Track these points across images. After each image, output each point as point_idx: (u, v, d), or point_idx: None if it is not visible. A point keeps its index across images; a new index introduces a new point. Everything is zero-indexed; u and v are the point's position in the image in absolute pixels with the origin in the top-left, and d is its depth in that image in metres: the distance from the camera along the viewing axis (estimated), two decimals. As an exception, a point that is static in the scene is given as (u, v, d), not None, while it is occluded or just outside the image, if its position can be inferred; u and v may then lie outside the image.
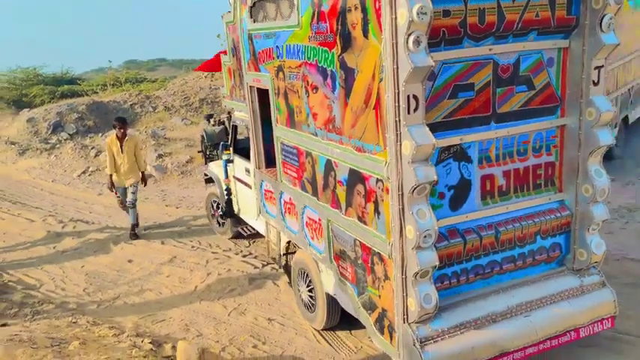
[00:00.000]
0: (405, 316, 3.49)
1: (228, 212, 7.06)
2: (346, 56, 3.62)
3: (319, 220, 4.51)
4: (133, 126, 14.56)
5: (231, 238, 7.55)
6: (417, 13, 2.89)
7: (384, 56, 3.17)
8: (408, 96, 3.11)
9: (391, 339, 3.71)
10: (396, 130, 3.18)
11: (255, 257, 6.86)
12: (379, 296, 3.78)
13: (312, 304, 5.09)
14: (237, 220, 7.38)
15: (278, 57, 4.72)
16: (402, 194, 3.27)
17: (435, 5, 2.95)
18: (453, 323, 3.58)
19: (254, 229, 6.82)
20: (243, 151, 6.70)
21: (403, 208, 3.29)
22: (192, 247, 7.42)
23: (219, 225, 7.71)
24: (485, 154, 3.69)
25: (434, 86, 3.37)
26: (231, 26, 5.82)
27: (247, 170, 6.33)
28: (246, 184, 6.48)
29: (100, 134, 14.49)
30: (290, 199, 5.08)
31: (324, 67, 3.93)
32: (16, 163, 13.71)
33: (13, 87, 23.25)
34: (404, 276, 3.41)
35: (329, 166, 4.18)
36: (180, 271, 6.65)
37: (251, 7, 5.13)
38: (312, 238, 4.73)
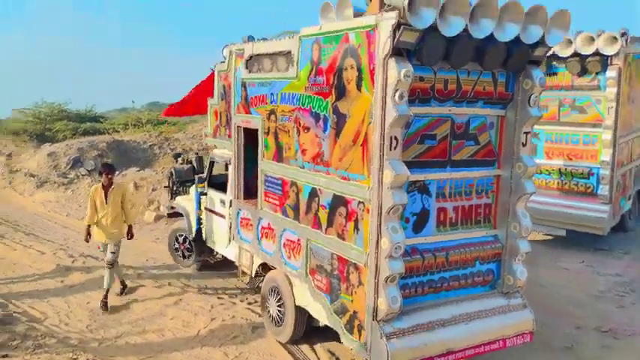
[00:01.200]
0: (375, 315, 4.30)
1: (198, 241, 7.65)
2: (339, 104, 4.58)
3: (298, 240, 5.30)
4: (150, 166, 14.79)
5: (198, 269, 8.06)
6: (404, 75, 3.92)
7: (373, 105, 4.15)
8: (391, 137, 4.08)
9: (360, 336, 4.49)
10: (380, 162, 4.12)
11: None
12: (352, 301, 4.58)
13: (281, 319, 5.77)
14: (201, 252, 7.99)
15: (271, 102, 5.63)
16: (381, 213, 4.17)
17: (415, 72, 4.00)
18: (411, 324, 4.42)
19: (222, 256, 7.47)
20: (216, 185, 7.44)
21: (380, 225, 4.19)
22: (199, 290, 7.36)
23: (184, 258, 8.23)
24: (441, 191, 4.69)
25: (407, 133, 4.36)
26: (223, 74, 6.72)
27: (222, 201, 7.05)
28: (219, 215, 7.17)
29: (118, 172, 14.47)
30: (269, 224, 5.86)
31: (318, 112, 4.87)
32: (33, 195, 13.75)
33: (38, 121, 23.36)
34: (376, 280, 4.25)
35: (313, 193, 5.04)
36: (184, 314, 6.59)
37: (247, 60, 6.07)
38: (289, 257, 5.50)
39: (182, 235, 8.22)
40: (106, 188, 6.81)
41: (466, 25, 4.00)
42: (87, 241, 7.00)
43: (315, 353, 5.58)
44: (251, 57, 6.02)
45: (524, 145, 4.81)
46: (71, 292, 7.32)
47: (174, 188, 9.02)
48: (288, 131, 5.39)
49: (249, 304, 6.83)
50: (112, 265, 6.84)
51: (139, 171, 14.37)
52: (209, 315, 6.51)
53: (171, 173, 9.10)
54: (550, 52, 7.55)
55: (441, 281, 4.74)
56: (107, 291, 6.80)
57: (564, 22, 4.49)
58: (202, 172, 8.82)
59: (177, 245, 8.32)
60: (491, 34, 4.15)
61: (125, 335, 6.08)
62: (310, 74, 4.95)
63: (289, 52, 5.28)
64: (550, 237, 9.70)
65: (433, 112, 4.49)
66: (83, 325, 6.30)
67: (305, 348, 5.67)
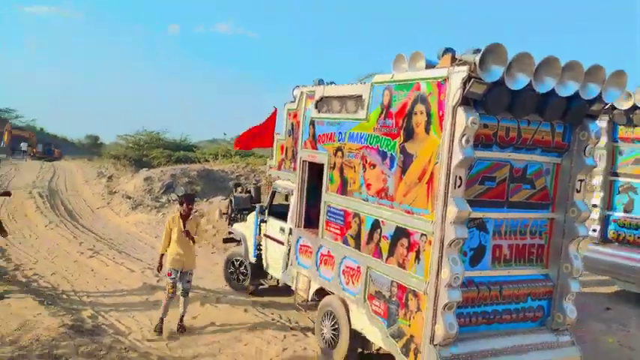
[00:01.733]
0: (432, 339, 4.65)
1: (258, 265, 8.13)
2: (407, 145, 5.06)
3: (358, 267, 5.72)
4: (236, 196, 15.93)
5: (250, 293, 8.52)
6: (471, 122, 4.38)
7: (441, 147, 4.61)
8: (456, 176, 4.52)
9: (416, 359, 4.83)
10: (445, 199, 4.55)
11: None
12: (409, 325, 4.94)
13: (334, 342, 6.14)
14: (256, 276, 8.47)
15: (339, 140, 6.15)
16: (442, 246, 4.58)
17: (480, 120, 4.46)
18: (465, 351, 4.75)
19: (277, 281, 7.93)
20: (276, 214, 7.95)
21: (442, 256, 4.59)
22: (273, 319, 7.52)
23: (239, 281, 8.71)
24: (497, 229, 5.07)
25: (470, 174, 4.79)
26: (292, 112, 7.31)
27: (282, 229, 7.54)
28: (278, 241, 7.65)
29: (205, 199, 15.41)
30: (328, 252, 6.30)
31: (385, 150, 5.36)
32: (127, 216, 14.82)
33: (137, 147, 25.42)
34: (435, 307, 4.62)
35: (376, 225, 5.48)
36: (257, 342, 6.72)
37: (318, 100, 6.65)
38: (347, 283, 5.91)
39: (238, 260, 8.72)
40: (184, 218, 7.05)
41: (530, 81, 4.46)
42: (159, 270, 7.23)
43: None
44: (321, 98, 6.59)
45: (578, 191, 5.17)
46: (155, 309, 7.53)
47: (233, 215, 9.58)
48: (354, 167, 5.88)
49: None
50: (187, 293, 7.09)
51: (224, 199, 15.14)
52: (281, 345, 6.60)
53: (231, 201, 9.68)
54: None
55: (494, 313, 5.06)
56: (182, 316, 7.05)
57: (621, 82, 4.90)
58: (260, 201, 9.41)
59: (232, 269, 8.82)
60: (553, 90, 4.59)
61: (201, 356, 6.27)
62: (380, 117, 5.46)
63: (360, 96, 5.81)
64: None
65: (494, 157, 4.92)
66: (163, 343, 6.60)
67: None
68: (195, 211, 9.23)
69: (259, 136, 9.13)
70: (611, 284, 9.60)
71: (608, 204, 9.51)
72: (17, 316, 6.99)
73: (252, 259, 8.27)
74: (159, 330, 6.86)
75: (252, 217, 8.70)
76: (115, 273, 9.59)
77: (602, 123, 8.80)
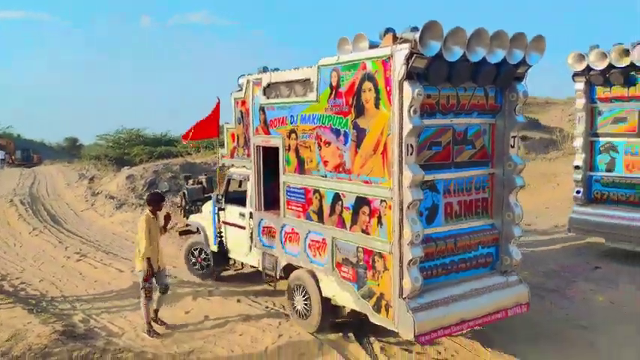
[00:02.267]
0: (401, 293, 5.15)
1: (219, 252, 8.37)
2: (359, 121, 5.47)
3: (323, 239, 6.13)
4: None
5: (215, 279, 8.75)
6: (417, 94, 4.85)
7: (392, 120, 5.05)
8: (408, 145, 4.99)
9: (387, 314, 5.32)
10: (400, 166, 5.02)
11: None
12: (378, 285, 5.41)
13: (307, 312, 6.54)
14: (219, 263, 8.72)
15: (292, 123, 6.49)
16: (402, 208, 5.05)
17: (424, 91, 4.93)
18: (430, 300, 5.28)
19: (241, 264, 8.23)
20: (233, 200, 8.21)
21: (402, 218, 5.06)
22: (267, 307, 7.51)
23: (202, 269, 8.92)
24: (447, 188, 5.60)
25: (418, 141, 5.27)
26: (240, 101, 7.55)
27: (242, 214, 7.81)
28: (238, 227, 7.92)
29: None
30: (292, 229, 6.67)
31: (338, 128, 5.75)
32: (112, 216, 14.36)
33: (117, 146, 24.69)
34: (401, 264, 5.11)
35: (336, 198, 5.89)
36: (252, 331, 6.72)
37: (265, 87, 6.93)
38: (314, 256, 6.31)
39: (197, 249, 8.92)
40: (156, 215, 6.85)
41: (464, 52, 4.97)
42: (150, 276, 6.73)
43: None
44: (269, 85, 6.87)
45: (512, 146, 5.78)
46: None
47: (187, 207, 9.71)
48: (309, 147, 6.24)
49: None
50: (168, 288, 6.99)
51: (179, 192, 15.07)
52: (276, 332, 6.65)
53: (184, 194, 9.80)
54: (628, 63, 8.49)
55: (451, 264, 5.62)
56: (157, 310, 6.97)
57: (540, 46, 5.51)
58: (212, 191, 9.61)
59: (193, 259, 9.00)
60: (484, 58, 5.13)
61: (197, 351, 6.27)
62: (330, 97, 5.84)
63: (308, 80, 6.16)
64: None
65: (438, 123, 5.42)
66: (158, 341, 6.58)
67: None
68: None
69: (206, 128, 9.29)
70: (600, 244, 9.71)
71: (590, 165, 9.62)
72: (7, 326, 6.94)
73: (214, 247, 8.50)
74: (154, 334, 6.71)
75: (207, 207, 8.90)
76: (103, 275, 9.52)
77: (579, 85, 9.26)
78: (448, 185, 5.62)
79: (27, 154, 43.18)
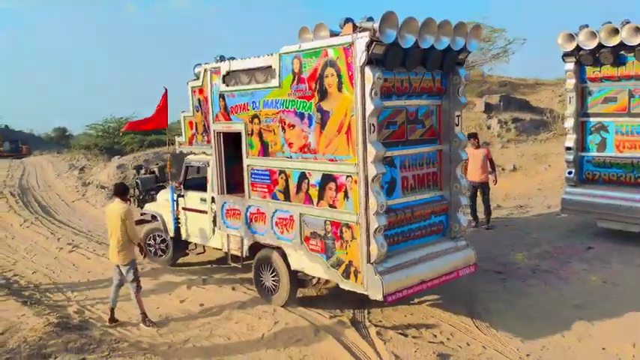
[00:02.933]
0: (369, 259, 5.70)
1: (178, 237, 8.60)
2: (322, 104, 5.94)
3: (290, 216, 6.57)
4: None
5: (172, 265, 8.96)
6: (377, 78, 5.38)
7: (354, 102, 5.56)
8: (370, 124, 5.52)
9: (356, 279, 5.86)
10: (364, 144, 5.54)
11: (323, 309, 6.86)
12: (346, 253, 5.94)
13: (275, 287, 6.98)
14: (177, 248, 8.94)
15: (254, 108, 6.85)
16: (367, 182, 5.59)
17: (383, 75, 5.48)
18: (394, 264, 5.87)
19: (203, 248, 8.51)
20: (191, 187, 8.46)
21: (367, 191, 5.60)
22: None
23: (160, 255, 9.10)
24: (402, 164, 6.20)
25: (378, 121, 5.82)
26: (197, 89, 7.81)
27: (203, 199, 8.09)
28: (200, 212, 8.19)
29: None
30: (258, 209, 7.06)
31: (302, 111, 6.20)
32: (104, 206, 13.57)
33: (107, 135, 23.93)
34: (367, 233, 5.66)
35: (302, 177, 6.34)
36: (248, 318, 6.73)
37: (225, 75, 7.24)
38: (282, 232, 6.74)
39: (154, 236, 9.08)
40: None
41: (416, 40, 5.55)
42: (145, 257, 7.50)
43: (380, 357, 5.62)
44: (228, 73, 7.19)
45: (457, 125, 6.47)
46: (142, 298, 7.28)
47: (141, 197, 9.82)
48: (273, 130, 6.65)
49: (312, 307, 6.91)
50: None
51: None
52: (272, 318, 6.65)
53: (137, 183, 9.89)
54: (618, 42, 8.47)
55: (409, 232, 6.25)
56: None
57: (478, 34, 6.21)
58: (164, 180, 9.78)
59: (151, 246, 9.15)
60: (432, 45, 5.74)
61: (193, 339, 6.28)
62: (292, 83, 6.26)
63: (269, 67, 6.55)
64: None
65: (394, 105, 6.00)
66: (153, 330, 6.58)
67: (370, 352, 5.72)
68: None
69: (153, 119, 9.45)
70: (592, 224, 9.67)
71: (582, 145, 9.57)
72: (1, 319, 6.90)
73: (172, 233, 8.71)
74: (150, 323, 6.69)
75: (163, 195, 9.10)
76: (97, 265, 9.43)
77: (569, 65, 9.29)
78: (403, 161, 6.22)
79: (15, 145, 42.40)
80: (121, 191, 6.88)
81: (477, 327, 6.28)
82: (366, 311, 6.72)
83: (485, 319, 6.47)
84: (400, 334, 6.09)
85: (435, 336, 6.12)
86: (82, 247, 10.70)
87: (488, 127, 19.90)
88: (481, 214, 10.76)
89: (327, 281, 6.92)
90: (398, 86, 5.94)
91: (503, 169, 16.00)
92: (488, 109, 21.15)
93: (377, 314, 6.66)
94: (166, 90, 9.78)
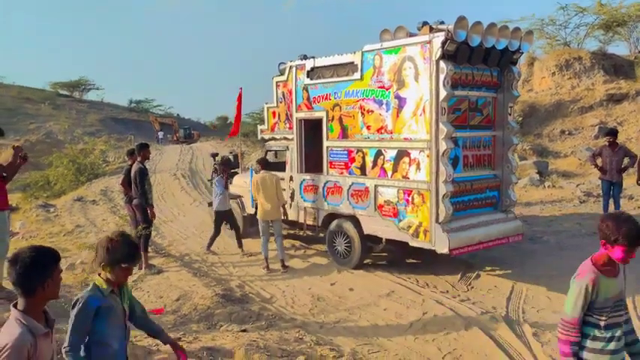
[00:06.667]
0: (437, 219, 6.89)
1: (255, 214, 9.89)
2: (400, 92, 7.20)
3: (366, 188, 7.79)
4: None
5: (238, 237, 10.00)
6: (449, 70, 6.63)
7: (430, 89, 6.81)
8: (442, 107, 6.76)
9: (425, 237, 7.04)
10: (437, 124, 6.78)
11: (473, 303, 6.68)
12: (417, 216, 7.13)
13: (348, 252, 8.18)
14: (252, 224, 10.20)
15: (335, 98, 8.15)
16: (438, 155, 6.80)
17: (454, 68, 6.72)
18: (457, 226, 7.04)
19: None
20: (270, 169, 9.75)
21: (438, 163, 6.82)
22: (410, 283, 7.55)
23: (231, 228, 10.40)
24: (464, 144, 7.40)
25: (447, 106, 7.04)
26: (281, 83, 9.15)
27: (281, 179, 9.36)
28: (277, 189, 9.46)
29: None
30: (335, 184, 8.30)
31: (381, 99, 7.46)
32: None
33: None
34: (437, 198, 6.86)
35: (378, 154, 7.59)
36: (396, 306, 6.75)
37: (309, 70, 8.56)
38: (357, 202, 7.97)
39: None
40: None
41: (481, 40, 6.80)
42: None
43: (536, 359, 5.26)
44: (312, 69, 8.52)
45: (509, 114, 7.66)
46: (294, 278, 8.13)
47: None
48: (353, 116, 7.92)
49: (462, 301, 6.80)
50: None
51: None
52: (421, 308, 6.60)
53: (216, 169, 11.20)
54: None
55: (469, 201, 7.43)
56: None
57: (530, 39, 7.43)
58: (238, 166, 11.12)
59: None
60: (493, 45, 6.97)
61: (343, 321, 6.46)
62: (373, 75, 7.54)
63: (352, 62, 7.85)
64: None
65: (459, 94, 7.21)
66: (306, 309, 6.91)
67: (525, 353, 5.37)
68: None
69: (238, 118, 10.92)
70: None
71: None
72: (176, 287, 7.79)
73: (252, 210, 9.98)
74: (286, 268, 8.38)
75: (240, 179, 10.42)
76: (256, 246, 9.58)
77: None
78: (465, 142, 7.42)
79: (189, 131, 46.34)
80: (266, 163, 8.69)
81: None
82: (520, 310, 6.48)
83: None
84: None
85: None
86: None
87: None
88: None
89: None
90: (463, 79, 7.17)
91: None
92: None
93: (533, 314, 6.32)
94: (241, 89, 11.19)
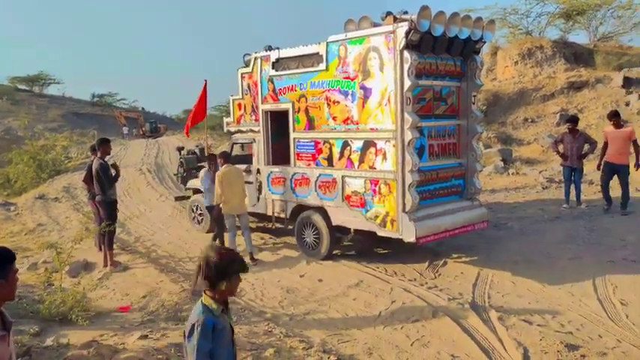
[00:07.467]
0: (404, 208, 6.94)
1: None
2: (365, 82, 7.21)
3: (333, 179, 7.79)
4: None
5: (208, 231, 10.08)
6: (413, 59, 6.67)
7: (394, 79, 6.83)
8: (407, 97, 6.79)
9: (392, 226, 7.09)
10: (402, 114, 6.81)
11: (441, 290, 6.75)
12: (384, 205, 7.17)
13: (316, 244, 8.18)
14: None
15: (301, 89, 8.10)
16: (403, 145, 6.84)
17: (418, 58, 6.76)
18: (424, 214, 7.12)
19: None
20: (237, 161, 9.68)
21: (404, 152, 6.86)
22: (379, 272, 7.56)
23: (199, 223, 10.32)
24: (429, 133, 7.46)
25: (412, 96, 7.08)
26: (247, 75, 9.05)
27: (248, 171, 9.29)
28: (245, 183, 9.39)
29: None
30: (302, 176, 8.28)
31: (346, 89, 7.46)
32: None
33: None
34: (403, 187, 6.91)
35: (345, 144, 7.59)
36: (365, 296, 6.77)
37: (274, 62, 8.49)
38: (325, 194, 7.97)
39: (197, 206, 10.32)
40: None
41: (444, 30, 6.84)
42: None
43: (502, 343, 5.34)
44: (278, 60, 8.44)
45: (473, 103, 7.76)
46: (264, 270, 8.06)
47: (185, 175, 11.02)
48: (319, 107, 7.89)
49: (429, 288, 6.86)
50: None
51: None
52: (389, 297, 6.65)
53: (182, 163, 11.08)
54: None
55: (435, 190, 7.51)
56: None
57: (492, 28, 7.52)
58: (204, 160, 11.01)
59: (193, 214, 10.42)
60: (456, 35, 7.03)
61: (312, 312, 6.47)
62: (338, 66, 7.53)
63: (317, 53, 7.81)
64: None
65: (424, 84, 7.26)
66: (276, 302, 6.88)
67: (491, 337, 5.47)
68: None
69: (198, 112, 10.76)
70: None
71: None
72: (143, 284, 7.73)
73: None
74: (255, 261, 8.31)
75: (205, 172, 10.31)
76: (226, 238, 9.22)
77: None
78: (430, 131, 7.48)
79: (155, 125, 45.31)
80: (227, 157, 8.61)
81: (610, 319, 5.74)
82: (486, 295, 6.55)
83: (621, 310, 5.91)
84: (524, 320, 5.76)
85: (563, 325, 5.65)
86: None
87: (627, 104, 17.68)
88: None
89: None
90: (427, 68, 7.22)
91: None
92: (628, 83, 18.78)
93: (498, 299, 6.40)
94: (206, 82, 11.04)
